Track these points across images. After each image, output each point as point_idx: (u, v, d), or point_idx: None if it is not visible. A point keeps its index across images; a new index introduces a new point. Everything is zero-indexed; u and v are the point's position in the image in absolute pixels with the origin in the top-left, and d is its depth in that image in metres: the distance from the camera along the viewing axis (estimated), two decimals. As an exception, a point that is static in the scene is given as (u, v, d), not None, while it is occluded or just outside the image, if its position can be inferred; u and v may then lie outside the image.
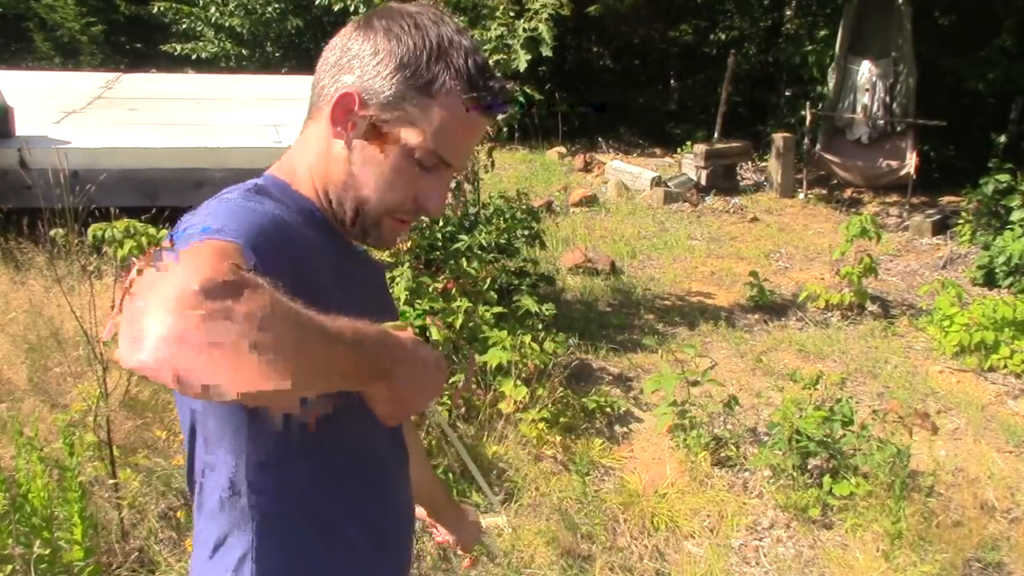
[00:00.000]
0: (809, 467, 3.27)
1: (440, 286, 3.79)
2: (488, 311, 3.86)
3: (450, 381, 3.54)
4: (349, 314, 0.82)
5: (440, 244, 4.15)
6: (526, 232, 4.67)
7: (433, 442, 3.33)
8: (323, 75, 1.01)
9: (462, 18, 4.82)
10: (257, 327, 0.71)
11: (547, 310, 4.17)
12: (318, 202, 1.02)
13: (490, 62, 1.03)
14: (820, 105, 8.93)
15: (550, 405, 3.58)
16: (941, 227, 7.53)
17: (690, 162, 8.98)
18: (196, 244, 0.78)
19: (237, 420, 0.94)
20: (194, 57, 11.94)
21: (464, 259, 3.95)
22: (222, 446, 0.95)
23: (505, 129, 5.13)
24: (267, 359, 0.71)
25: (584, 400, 3.81)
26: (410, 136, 0.98)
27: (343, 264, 1.03)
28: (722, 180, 8.84)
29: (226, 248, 0.79)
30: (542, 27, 4.48)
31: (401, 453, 1.17)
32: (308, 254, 0.95)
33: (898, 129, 8.44)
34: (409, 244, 3.89)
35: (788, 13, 10.95)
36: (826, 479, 3.18)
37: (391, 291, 3.29)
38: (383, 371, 0.86)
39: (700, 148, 8.86)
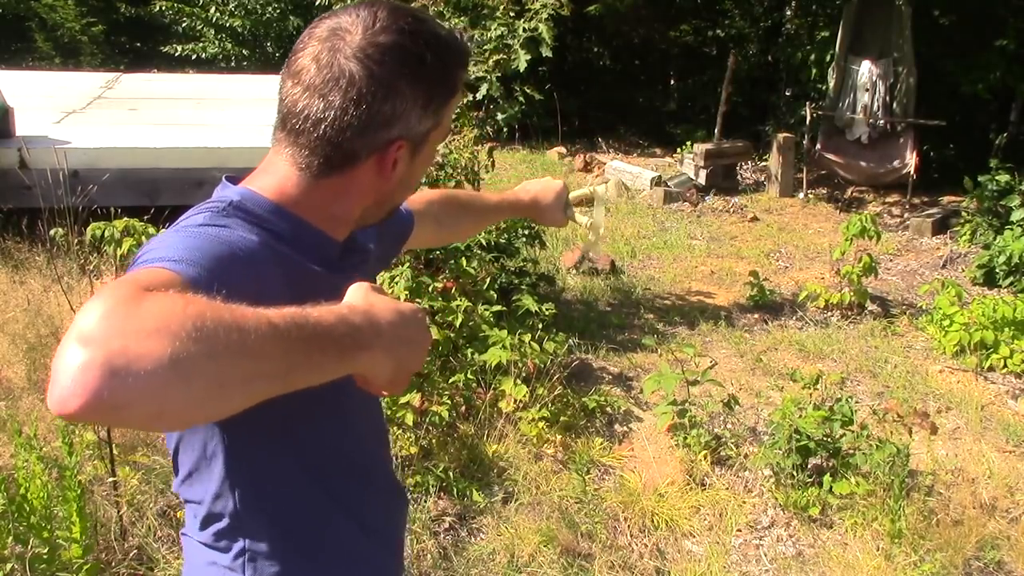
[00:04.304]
0: (809, 466, 3.27)
1: (440, 286, 3.78)
2: (488, 310, 3.86)
3: (450, 381, 3.54)
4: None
5: (440, 243, 4.14)
6: (526, 232, 4.66)
7: (434, 441, 3.33)
8: (329, 111, 0.90)
9: (462, 18, 4.82)
10: (192, 334, 0.64)
11: (547, 310, 4.17)
12: (315, 222, 0.97)
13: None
14: (820, 104, 8.93)
15: (550, 404, 3.58)
16: (941, 227, 7.53)
17: (690, 162, 8.98)
18: (135, 272, 0.74)
19: (222, 427, 0.94)
20: (194, 57, 11.94)
21: (464, 259, 3.95)
22: (206, 452, 0.96)
23: (505, 129, 5.13)
24: (210, 368, 0.64)
25: (584, 399, 3.81)
26: (438, 135, 1.02)
27: (338, 279, 0.94)
28: (722, 180, 8.83)
29: (163, 274, 0.74)
30: (542, 27, 4.48)
31: (383, 443, 1.22)
32: (275, 282, 0.88)
33: (898, 129, 8.44)
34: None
35: (788, 13, 10.94)
36: (826, 478, 3.18)
37: (390, 292, 3.25)
38: (359, 347, 0.79)
39: (700, 148, 8.85)
